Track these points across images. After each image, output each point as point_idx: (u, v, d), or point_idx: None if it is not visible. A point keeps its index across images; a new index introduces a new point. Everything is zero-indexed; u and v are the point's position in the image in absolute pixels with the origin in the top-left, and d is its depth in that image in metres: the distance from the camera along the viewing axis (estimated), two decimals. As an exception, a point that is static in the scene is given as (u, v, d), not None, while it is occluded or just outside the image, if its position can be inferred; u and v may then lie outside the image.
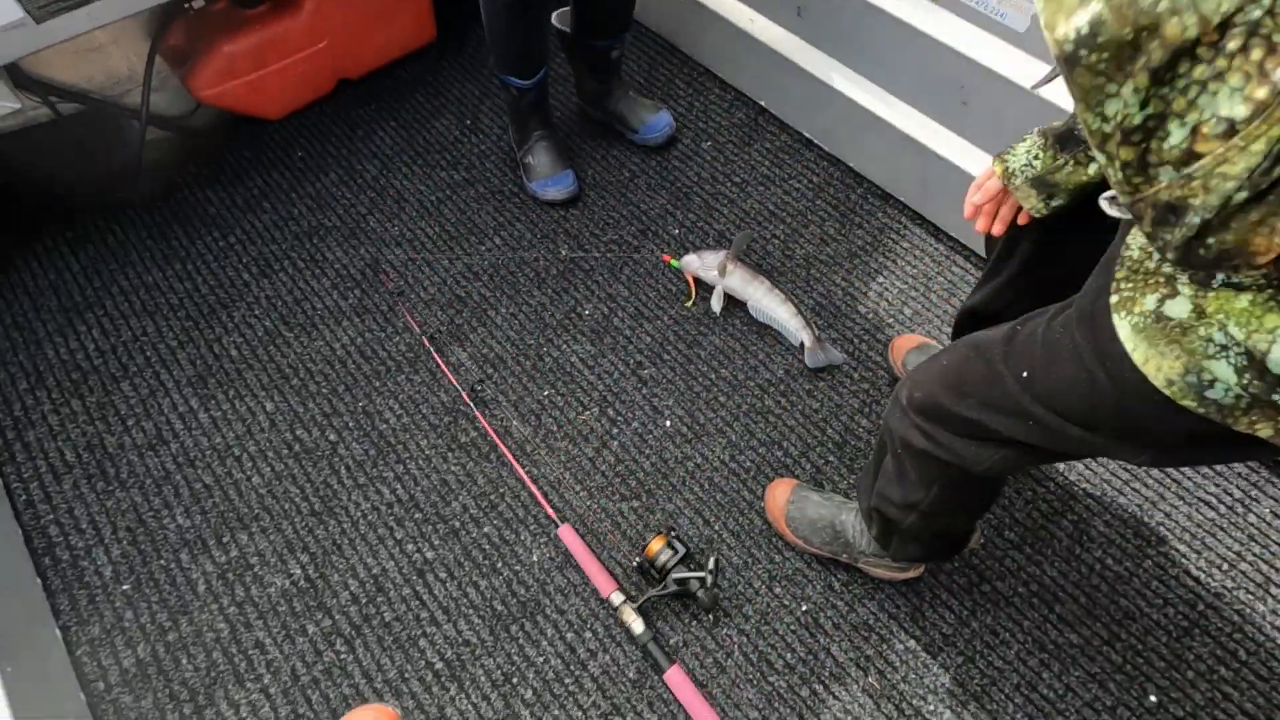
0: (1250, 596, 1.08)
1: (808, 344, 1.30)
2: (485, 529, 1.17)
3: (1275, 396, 0.51)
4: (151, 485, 1.20)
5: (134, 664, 1.05)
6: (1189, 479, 1.17)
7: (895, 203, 1.50)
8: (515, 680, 1.05)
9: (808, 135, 1.59)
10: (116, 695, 1.02)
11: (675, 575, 1.06)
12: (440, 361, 1.32)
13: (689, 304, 1.39)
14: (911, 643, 1.07)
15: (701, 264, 1.38)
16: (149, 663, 1.05)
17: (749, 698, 1.03)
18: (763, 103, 1.63)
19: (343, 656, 1.06)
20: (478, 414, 1.26)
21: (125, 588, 1.11)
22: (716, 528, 1.16)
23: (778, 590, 1.11)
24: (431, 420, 1.28)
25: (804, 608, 1.10)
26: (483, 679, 1.05)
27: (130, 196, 1.52)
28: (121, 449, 1.24)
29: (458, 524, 1.17)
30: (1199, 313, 0.53)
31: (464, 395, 1.29)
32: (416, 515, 1.18)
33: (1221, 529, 1.13)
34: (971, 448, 0.74)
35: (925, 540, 0.94)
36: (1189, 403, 0.55)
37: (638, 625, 1.05)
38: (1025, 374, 0.66)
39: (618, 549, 1.14)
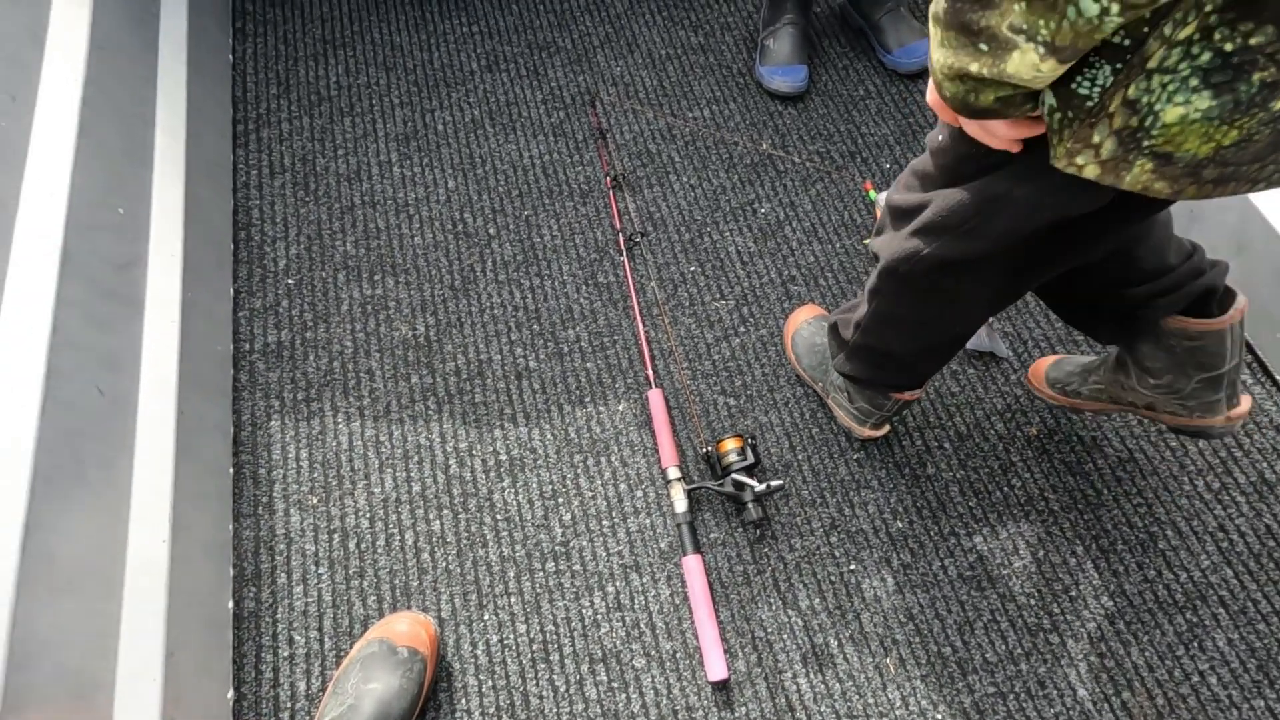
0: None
1: (976, 324, 1.19)
2: (588, 364, 1.21)
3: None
4: (338, 210, 1.34)
5: (275, 342, 1.21)
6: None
7: (1147, 221, 1.30)
8: (560, 500, 1.10)
9: (1079, 114, 1.39)
10: (254, 360, 1.19)
11: (735, 477, 1.04)
12: (613, 203, 1.34)
13: (868, 241, 1.31)
14: (948, 650, 1.00)
15: (899, 204, 1.27)
16: (285, 346, 1.21)
17: (761, 618, 1.02)
18: (1044, 63, 1.44)
19: (430, 412, 1.16)
20: (625, 261, 1.28)
21: (290, 281, 1.27)
22: (800, 457, 1.13)
23: (833, 540, 1.07)
24: (581, 251, 1.31)
25: (852, 567, 1.05)
26: (534, 485, 1.11)
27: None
28: (326, 171, 1.39)
29: (566, 349, 1.22)
30: None
31: (620, 240, 1.30)
32: (535, 326, 1.24)
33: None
34: (912, 242, 0.75)
35: (867, 360, 0.96)
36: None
37: (680, 504, 1.06)
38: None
39: (697, 433, 1.14)
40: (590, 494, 1.11)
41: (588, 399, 1.18)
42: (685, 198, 1.37)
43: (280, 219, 1.33)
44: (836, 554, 1.06)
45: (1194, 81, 0.44)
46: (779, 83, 1.44)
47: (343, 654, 0.99)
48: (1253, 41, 0.41)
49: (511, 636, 1.01)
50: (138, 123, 1.08)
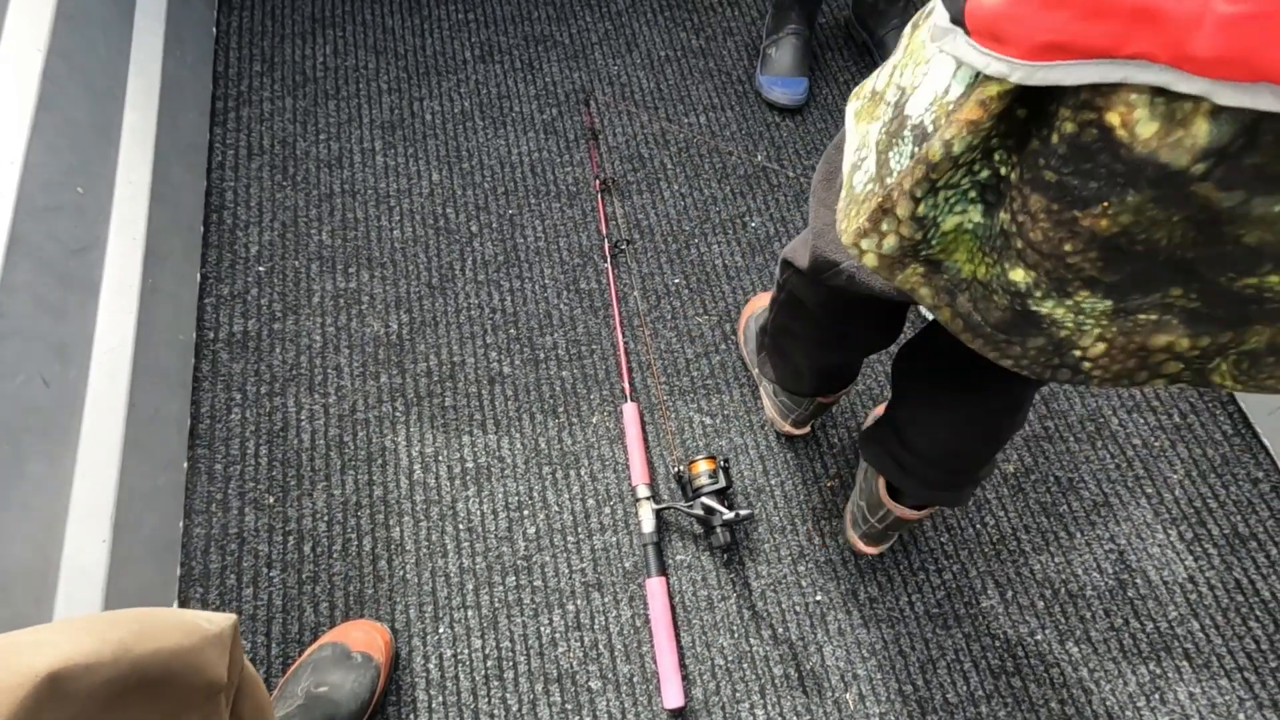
0: None
1: (960, 357, 1.17)
2: (563, 372, 1.18)
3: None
4: (315, 197, 1.30)
5: (241, 331, 1.17)
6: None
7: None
8: (525, 513, 1.07)
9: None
10: (218, 349, 1.15)
11: (704, 501, 1.02)
12: (601, 207, 1.31)
13: (857, 262, 1.28)
14: (909, 688, 0.98)
15: (891, 228, 1.25)
16: (252, 336, 1.17)
17: (722, 645, 1.00)
18: (1047, 92, 1.41)
19: (398, 414, 1.13)
20: (609, 268, 1.25)
21: (260, 269, 1.23)
22: (773, 482, 1.11)
23: (800, 569, 1.05)
24: (564, 255, 1.28)
25: (818, 598, 1.03)
26: (499, 496, 1.08)
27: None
28: (306, 156, 1.34)
29: (542, 355, 1.19)
30: None
31: (605, 246, 1.27)
32: (511, 331, 1.21)
33: None
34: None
35: (776, 364, 1.00)
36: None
37: (648, 524, 1.03)
38: None
39: (670, 450, 1.12)
40: (556, 508, 1.08)
41: (561, 409, 1.15)
42: (675, 206, 1.33)
43: (255, 203, 1.29)
44: (803, 583, 1.04)
45: (971, 194, 0.45)
46: (779, 94, 1.41)
47: (290, 661, 0.96)
48: (1013, 176, 0.42)
49: (466, 651, 0.98)
50: (106, 97, 1.04)
